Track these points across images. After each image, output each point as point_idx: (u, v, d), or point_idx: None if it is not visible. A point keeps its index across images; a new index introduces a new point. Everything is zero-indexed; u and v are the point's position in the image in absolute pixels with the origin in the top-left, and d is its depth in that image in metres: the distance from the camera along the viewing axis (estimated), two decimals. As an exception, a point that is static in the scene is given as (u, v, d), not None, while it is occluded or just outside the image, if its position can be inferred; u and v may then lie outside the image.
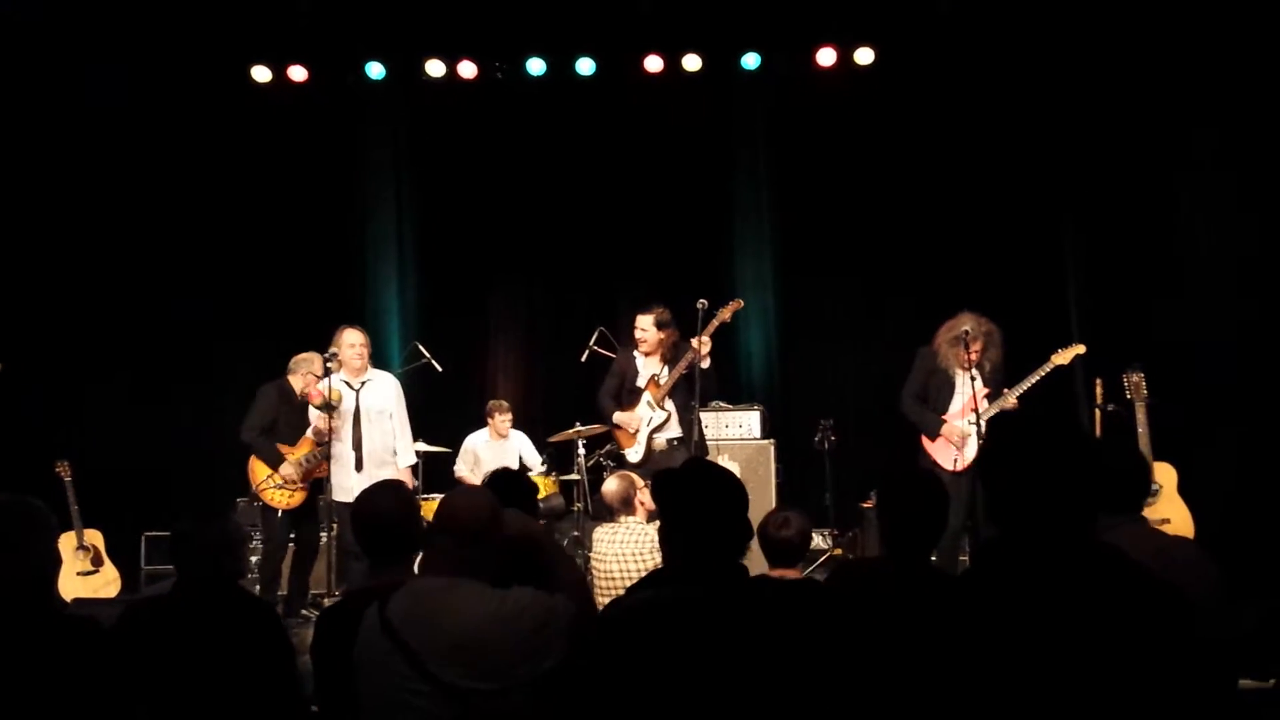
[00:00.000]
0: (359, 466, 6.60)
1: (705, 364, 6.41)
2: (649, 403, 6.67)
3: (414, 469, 7.33)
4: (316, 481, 6.83)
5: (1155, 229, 7.93)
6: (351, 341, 6.69)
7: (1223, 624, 2.88)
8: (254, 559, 7.19)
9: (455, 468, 8.31)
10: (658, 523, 2.54)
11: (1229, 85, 7.45)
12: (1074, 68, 7.99)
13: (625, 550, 4.84)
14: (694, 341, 6.36)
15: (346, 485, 6.49)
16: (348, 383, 6.65)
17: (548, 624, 2.63)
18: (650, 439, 6.68)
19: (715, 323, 6.46)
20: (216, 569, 3.20)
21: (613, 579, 4.82)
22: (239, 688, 3.01)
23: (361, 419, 6.65)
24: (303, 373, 6.83)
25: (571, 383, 8.32)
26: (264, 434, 6.72)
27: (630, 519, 4.93)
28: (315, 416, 6.67)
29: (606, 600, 4.12)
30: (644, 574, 4.40)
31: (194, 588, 3.19)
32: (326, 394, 6.48)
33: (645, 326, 6.70)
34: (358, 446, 6.63)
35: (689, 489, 2.39)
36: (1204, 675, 1.91)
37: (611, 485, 5.06)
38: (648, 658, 2.13)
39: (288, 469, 6.64)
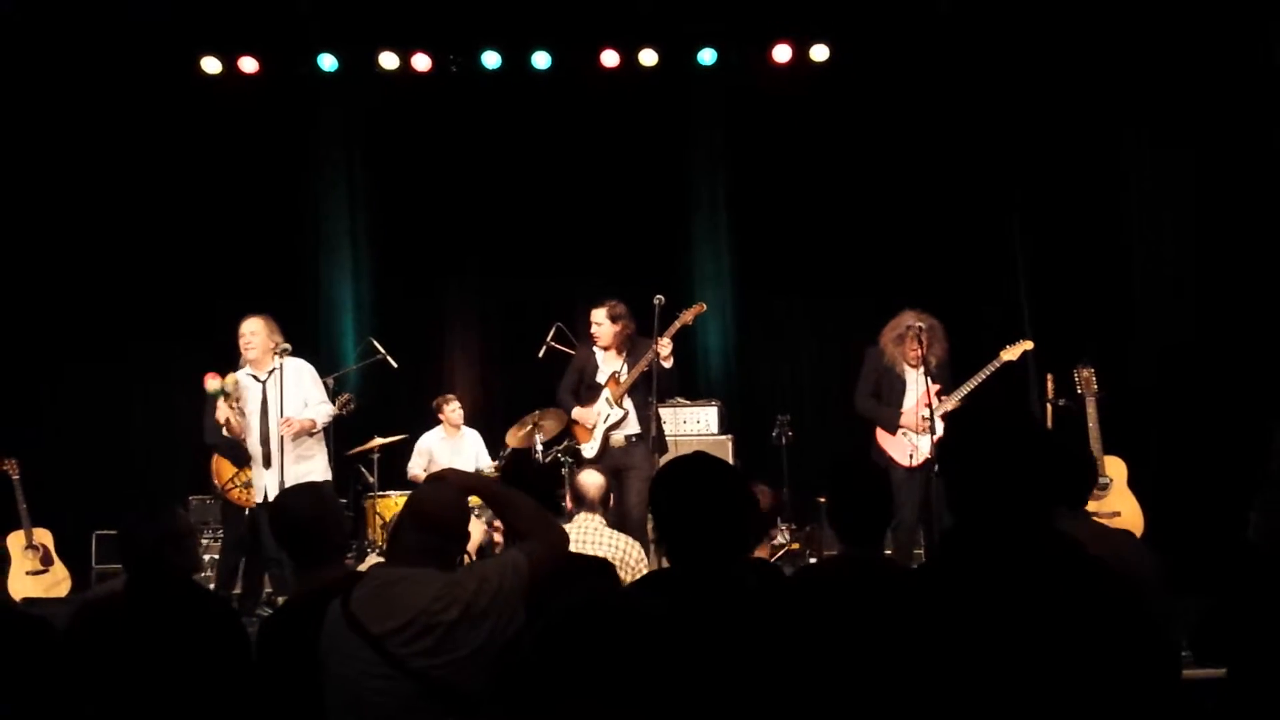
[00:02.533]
0: (267, 463, 6.19)
1: (667, 364, 6.42)
2: (607, 399, 6.64)
3: (367, 458, 7.20)
4: None
5: (1105, 225, 8.05)
6: (242, 331, 6.30)
7: (1163, 616, 2.94)
8: (206, 557, 7.09)
9: (409, 467, 8.20)
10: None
11: (1177, 81, 7.56)
12: (1023, 64, 8.07)
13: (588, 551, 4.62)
14: (655, 342, 6.34)
15: (259, 484, 6.22)
16: (254, 375, 6.29)
17: (489, 590, 2.65)
18: (607, 435, 6.65)
19: (677, 324, 6.50)
20: (163, 564, 3.17)
21: None
22: (192, 684, 2.98)
23: (269, 412, 6.21)
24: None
25: (528, 379, 8.29)
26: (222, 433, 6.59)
27: (593, 516, 4.81)
28: (220, 413, 6.31)
29: None
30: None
31: (144, 584, 3.16)
32: (220, 382, 6.17)
33: (599, 320, 6.67)
34: (265, 442, 6.21)
35: (690, 486, 2.34)
36: (1155, 664, 1.95)
37: (596, 479, 4.91)
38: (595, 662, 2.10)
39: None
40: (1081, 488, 3.23)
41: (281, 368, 6.22)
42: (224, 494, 6.55)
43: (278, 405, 6.17)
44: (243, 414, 6.26)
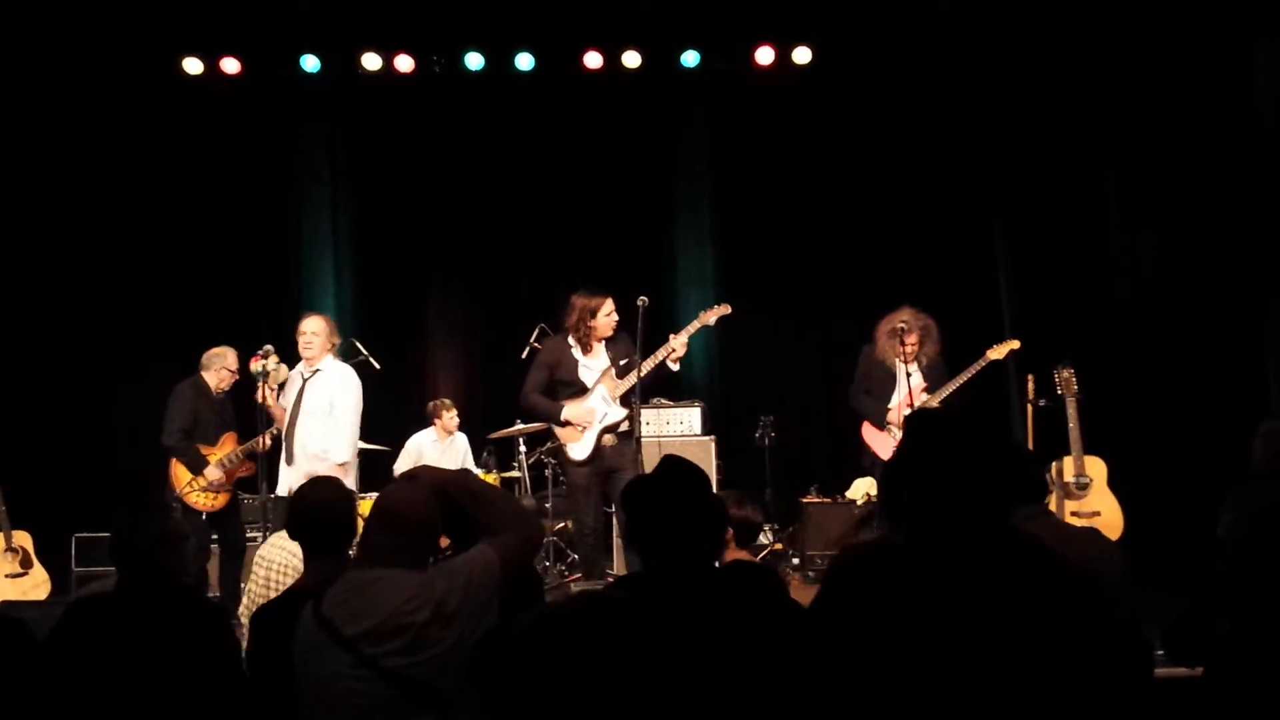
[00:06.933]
0: (289, 460, 6.42)
1: (675, 366, 6.24)
2: (604, 398, 6.29)
3: (353, 471, 7.19)
4: (239, 481, 6.72)
5: (1084, 227, 8.09)
6: (302, 330, 6.52)
7: (1129, 613, 2.96)
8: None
9: (395, 467, 8.20)
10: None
11: (1157, 86, 7.60)
12: (1003, 68, 8.11)
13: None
14: (671, 341, 6.14)
15: (281, 480, 6.38)
16: (301, 372, 6.52)
17: (459, 589, 2.66)
18: (600, 435, 6.28)
19: (696, 324, 6.33)
20: (156, 566, 3.18)
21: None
22: (183, 686, 2.98)
23: (300, 411, 6.46)
24: (215, 368, 6.70)
25: (512, 379, 8.27)
26: (186, 436, 6.58)
27: None
28: (260, 393, 6.46)
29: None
30: None
31: (136, 586, 3.16)
32: (262, 363, 6.32)
33: (608, 311, 6.28)
34: (289, 438, 6.44)
35: (658, 490, 2.36)
36: (1118, 660, 1.97)
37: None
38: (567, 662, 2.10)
39: (213, 472, 6.52)
40: (1037, 484, 3.24)
41: (324, 369, 6.54)
42: (182, 498, 6.52)
43: (309, 406, 6.44)
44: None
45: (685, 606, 2.19)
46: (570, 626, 2.11)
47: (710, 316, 6.38)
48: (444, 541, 2.98)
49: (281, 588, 4.24)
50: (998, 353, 6.70)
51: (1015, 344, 6.76)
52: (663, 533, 2.32)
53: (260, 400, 6.42)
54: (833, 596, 2.13)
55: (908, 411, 6.36)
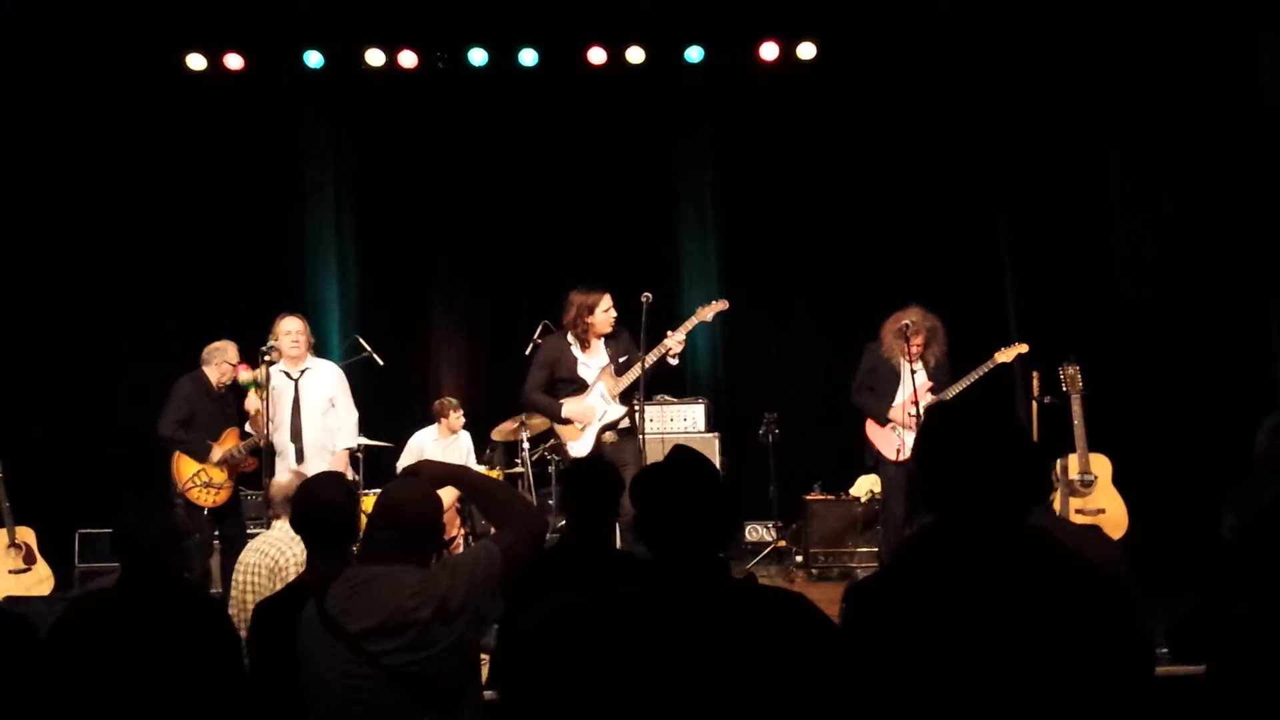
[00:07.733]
0: (300, 458, 6.45)
1: (674, 362, 6.19)
2: (603, 395, 6.27)
3: (354, 458, 7.18)
4: (241, 477, 6.72)
5: (1089, 224, 8.08)
6: (288, 329, 6.51)
7: (1129, 611, 2.95)
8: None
9: (398, 466, 8.20)
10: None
11: (1159, 81, 7.58)
12: (1007, 64, 8.11)
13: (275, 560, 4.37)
14: (667, 339, 6.11)
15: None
16: (286, 372, 6.51)
17: (462, 586, 2.65)
18: (600, 433, 6.27)
19: (694, 321, 6.27)
20: (159, 562, 3.18)
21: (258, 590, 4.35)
22: (184, 681, 2.98)
23: (301, 409, 6.50)
24: (216, 362, 6.69)
25: (515, 376, 8.27)
26: (182, 428, 6.56)
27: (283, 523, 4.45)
28: (250, 403, 6.50)
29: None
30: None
31: (138, 581, 3.16)
32: (253, 374, 6.36)
33: (606, 307, 6.27)
34: (297, 438, 6.49)
35: (670, 480, 2.35)
36: (1129, 656, 1.96)
37: (284, 479, 4.83)
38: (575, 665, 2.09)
39: (216, 454, 6.51)
40: (1045, 483, 3.24)
41: (311, 368, 6.62)
42: (185, 494, 6.50)
43: (309, 403, 6.52)
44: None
45: (696, 601, 2.18)
46: (577, 627, 2.10)
47: (707, 313, 6.33)
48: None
49: (249, 588, 4.35)
50: (1006, 356, 6.71)
51: (1024, 348, 6.76)
52: (673, 523, 2.31)
53: (253, 412, 6.46)
54: (877, 588, 2.12)
55: (913, 409, 6.36)
